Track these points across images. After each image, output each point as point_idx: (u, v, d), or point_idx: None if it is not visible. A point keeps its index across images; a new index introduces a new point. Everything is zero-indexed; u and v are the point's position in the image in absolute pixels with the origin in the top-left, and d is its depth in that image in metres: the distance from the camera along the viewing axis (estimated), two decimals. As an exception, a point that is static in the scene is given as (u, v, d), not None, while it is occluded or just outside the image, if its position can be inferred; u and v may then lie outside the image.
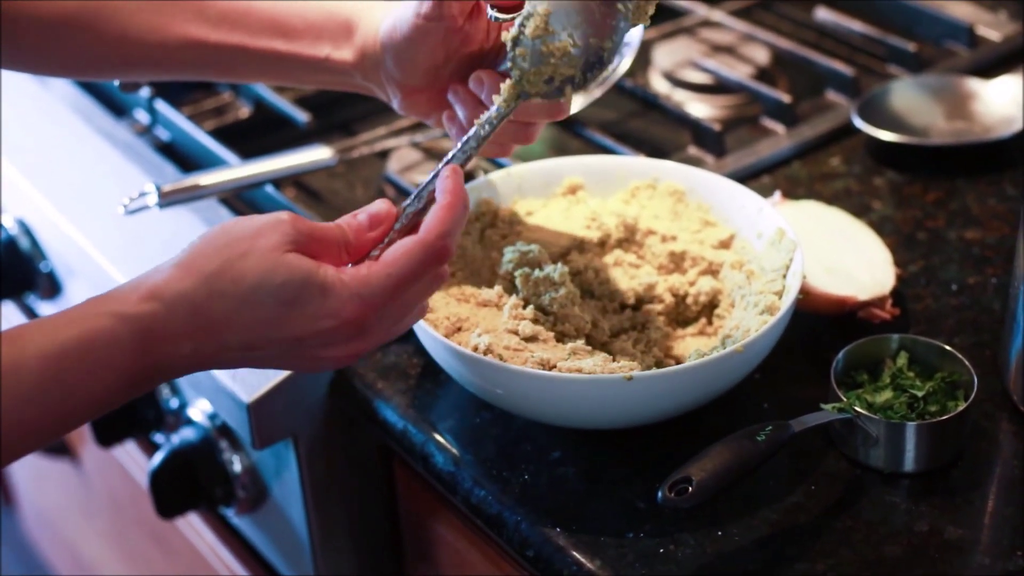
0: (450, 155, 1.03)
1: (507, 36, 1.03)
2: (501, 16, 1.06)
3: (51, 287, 1.66)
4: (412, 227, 1.00)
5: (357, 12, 1.15)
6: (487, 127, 1.04)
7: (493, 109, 1.04)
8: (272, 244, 0.96)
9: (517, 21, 1.02)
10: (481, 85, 1.08)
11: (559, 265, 1.15)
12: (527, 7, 1.02)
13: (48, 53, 1.21)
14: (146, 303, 0.94)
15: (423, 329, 1.10)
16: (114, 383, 0.93)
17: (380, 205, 1.02)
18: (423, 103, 1.14)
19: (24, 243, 1.64)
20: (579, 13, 1.02)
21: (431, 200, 1.01)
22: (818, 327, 1.22)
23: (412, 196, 1.02)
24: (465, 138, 1.04)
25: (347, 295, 0.96)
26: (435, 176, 1.02)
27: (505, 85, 1.03)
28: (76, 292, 1.61)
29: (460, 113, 1.11)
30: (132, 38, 1.18)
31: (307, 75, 1.19)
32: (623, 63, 1.45)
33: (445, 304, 1.14)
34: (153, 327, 0.94)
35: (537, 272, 1.14)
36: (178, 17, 1.17)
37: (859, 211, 1.37)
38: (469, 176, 1.43)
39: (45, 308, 1.72)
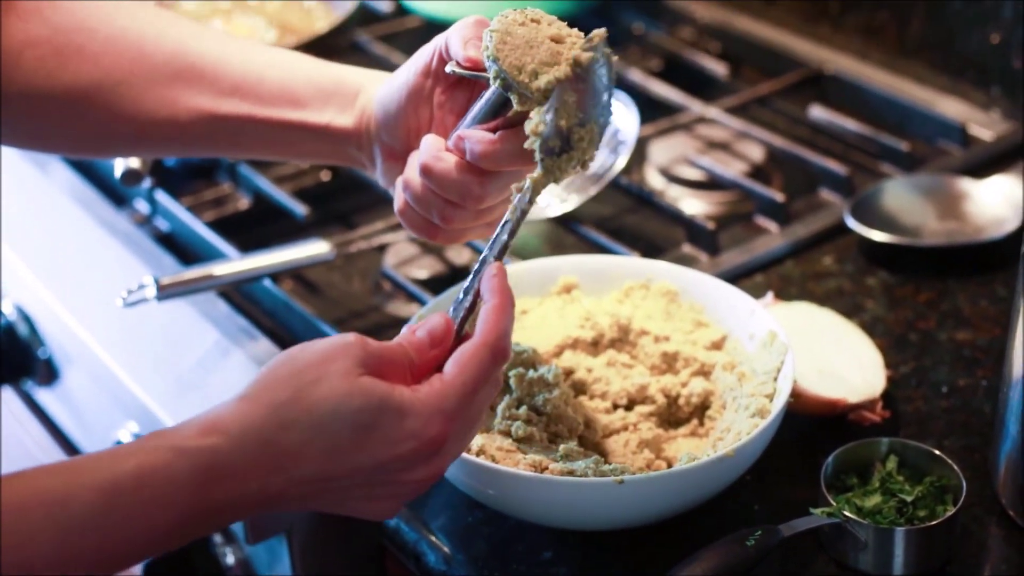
0: (486, 250, 1.03)
1: (531, 125, 1.01)
2: (459, 71, 1.07)
3: (49, 374, 1.67)
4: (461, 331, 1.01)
5: (365, 80, 1.18)
6: (519, 215, 1.03)
7: (521, 196, 1.03)
8: (344, 369, 0.93)
9: (542, 112, 1.01)
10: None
11: (553, 366, 1.16)
12: (552, 99, 1.00)
13: (62, 130, 1.23)
14: (207, 437, 0.90)
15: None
16: (168, 521, 0.89)
17: (438, 321, 1.00)
18: (400, 171, 1.15)
19: (23, 329, 1.66)
20: (596, 96, 1.01)
21: (476, 299, 1.01)
22: (809, 428, 1.23)
23: (458, 299, 1.02)
24: (499, 231, 1.03)
25: (428, 413, 0.93)
26: (475, 274, 1.01)
27: (535, 175, 1.02)
28: (73, 379, 1.62)
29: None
30: (144, 113, 1.19)
31: (307, 144, 1.21)
32: (619, 160, 1.48)
33: (439, 404, 1.15)
34: (214, 462, 0.90)
35: (532, 372, 1.15)
36: (191, 90, 1.18)
37: (851, 311, 1.38)
38: (467, 272, 1.43)
39: (43, 394, 1.73)
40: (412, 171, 1.09)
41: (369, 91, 1.16)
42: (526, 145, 1.01)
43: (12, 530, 0.85)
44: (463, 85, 1.10)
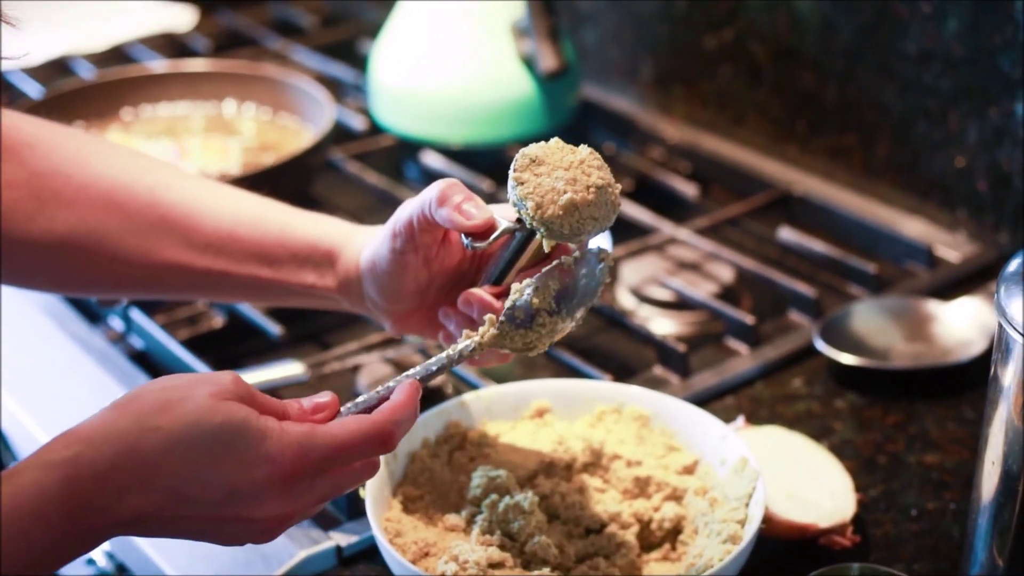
0: (413, 370, 1.06)
1: (515, 292, 1.06)
2: (477, 245, 1.09)
3: (19, 489, 1.66)
4: None
5: (338, 242, 1.19)
6: (456, 358, 1.07)
7: (468, 344, 1.07)
8: (212, 391, 0.95)
9: (523, 286, 1.06)
10: (470, 306, 1.10)
11: (529, 494, 1.16)
12: (535, 280, 1.06)
13: (40, 273, 1.24)
14: (71, 447, 0.92)
15: (390, 554, 1.11)
16: (45, 538, 0.90)
17: (325, 396, 1.03)
18: (415, 323, 1.18)
19: (-7, 443, 1.65)
20: (575, 296, 1.07)
21: (383, 401, 1.03)
22: (780, 553, 1.24)
23: (364, 396, 1.05)
24: (433, 361, 1.06)
25: (287, 441, 0.95)
26: (386, 386, 1.05)
27: (488, 332, 1.07)
28: (44, 496, 1.62)
29: (455, 332, 1.14)
30: (121, 261, 1.21)
31: (293, 299, 1.23)
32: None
33: (413, 528, 1.16)
34: (78, 471, 0.91)
35: (508, 499, 1.15)
36: (165, 242, 1.20)
37: (820, 434, 1.39)
38: (440, 395, 1.44)
39: (12, 510, 1.72)
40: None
41: (346, 259, 1.18)
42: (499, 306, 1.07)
43: None
44: (449, 242, 1.13)
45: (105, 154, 1.24)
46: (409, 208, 1.11)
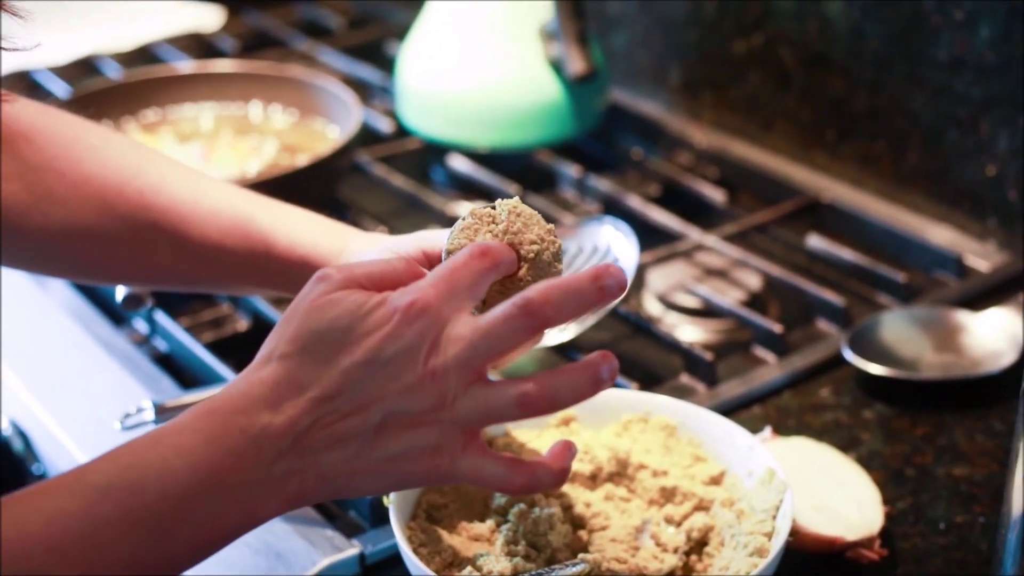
0: None
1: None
2: None
3: (42, 490, 1.66)
4: None
5: (330, 255, 1.18)
6: None
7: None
8: (315, 294, 0.92)
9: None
10: None
11: (556, 507, 1.15)
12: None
13: (43, 262, 1.25)
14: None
15: (414, 563, 1.10)
16: (188, 467, 0.88)
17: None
18: None
19: (17, 444, 1.65)
20: None
21: None
22: (806, 566, 1.23)
23: None
24: None
25: (399, 291, 0.91)
26: None
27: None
28: (67, 497, 1.61)
29: None
30: (119, 260, 1.24)
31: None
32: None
33: (437, 537, 1.15)
34: (214, 406, 0.90)
35: (536, 511, 1.14)
36: (158, 247, 1.20)
37: (848, 444, 1.38)
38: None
39: (35, 511, 1.72)
40: None
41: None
42: None
43: (36, 508, 0.87)
44: None
45: (99, 150, 1.22)
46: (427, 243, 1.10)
